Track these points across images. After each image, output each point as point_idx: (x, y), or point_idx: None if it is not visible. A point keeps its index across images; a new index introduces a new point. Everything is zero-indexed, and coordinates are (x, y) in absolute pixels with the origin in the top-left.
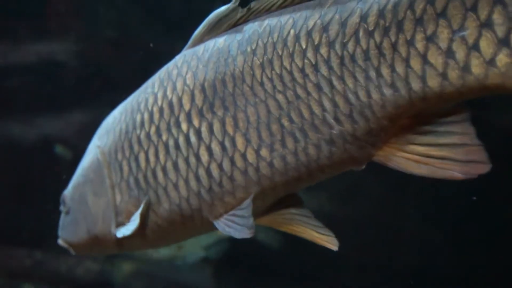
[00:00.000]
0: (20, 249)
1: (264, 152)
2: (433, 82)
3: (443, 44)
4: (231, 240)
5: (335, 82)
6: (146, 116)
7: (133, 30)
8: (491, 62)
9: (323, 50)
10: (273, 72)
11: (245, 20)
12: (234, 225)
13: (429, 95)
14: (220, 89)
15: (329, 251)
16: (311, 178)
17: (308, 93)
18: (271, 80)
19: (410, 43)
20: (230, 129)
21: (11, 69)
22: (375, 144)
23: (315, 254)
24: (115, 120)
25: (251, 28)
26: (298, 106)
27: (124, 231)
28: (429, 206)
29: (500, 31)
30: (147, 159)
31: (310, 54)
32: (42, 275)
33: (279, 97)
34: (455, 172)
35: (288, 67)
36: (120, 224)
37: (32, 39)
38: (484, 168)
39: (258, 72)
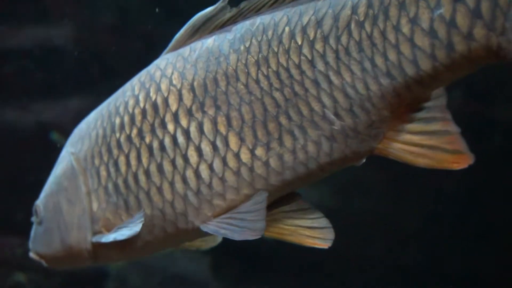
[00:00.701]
0: (12, 237)
1: (259, 151)
2: (425, 65)
3: (426, 25)
4: None
5: (333, 77)
6: (126, 118)
7: (133, 16)
8: (469, 36)
9: (318, 46)
10: (269, 69)
11: (233, 21)
12: (231, 227)
13: (424, 79)
14: (211, 88)
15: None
16: (309, 177)
17: (306, 90)
18: (267, 77)
19: (397, 29)
20: (222, 128)
21: (8, 53)
22: (376, 137)
23: (313, 250)
24: (89, 126)
25: (242, 27)
26: (297, 103)
27: (117, 236)
28: (431, 201)
29: (471, 2)
30: (128, 163)
31: (306, 50)
32: (34, 264)
33: (276, 94)
34: (449, 163)
35: (284, 64)
36: (97, 233)
37: (30, 23)
38: (468, 158)
39: (253, 70)
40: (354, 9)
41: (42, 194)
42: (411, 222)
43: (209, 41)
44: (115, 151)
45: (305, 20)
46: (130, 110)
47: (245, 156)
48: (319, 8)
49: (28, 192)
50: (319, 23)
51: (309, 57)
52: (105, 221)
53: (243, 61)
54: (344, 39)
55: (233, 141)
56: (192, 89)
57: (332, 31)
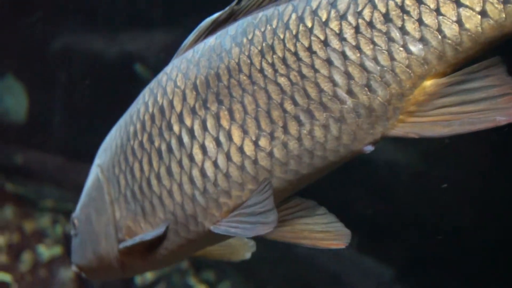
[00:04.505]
0: (88, 165)
1: (263, 141)
2: (471, 23)
3: None
4: None
5: (349, 52)
6: (138, 126)
7: None
8: None
9: (333, 24)
10: (274, 56)
11: (234, 19)
12: (242, 225)
13: (465, 41)
14: (213, 84)
15: (411, 210)
16: (315, 169)
17: (316, 71)
18: (271, 65)
19: None
20: (225, 123)
21: None
22: (392, 116)
23: (396, 213)
24: (111, 137)
25: (244, 22)
26: (304, 87)
27: (143, 236)
28: None
29: None
30: (141, 169)
31: (317, 31)
32: None
33: (281, 80)
34: (497, 117)
35: (292, 49)
36: (121, 241)
37: None
38: None
39: (256, 60)
40: None
41: (77, 207)
42: (503, 199)
43: (211, 40)
44: (130, 159)
45: (314, 4)
46: (141, 117)
47: (248, 148)
48: None
49: (107, 121)
50: (332, 4)
51: (322, 38)
52: (127, 229)
53: (246, 53)
54: (366, 13)
55: (236, 134)
56: (195, 87)
57: (350, 8)
